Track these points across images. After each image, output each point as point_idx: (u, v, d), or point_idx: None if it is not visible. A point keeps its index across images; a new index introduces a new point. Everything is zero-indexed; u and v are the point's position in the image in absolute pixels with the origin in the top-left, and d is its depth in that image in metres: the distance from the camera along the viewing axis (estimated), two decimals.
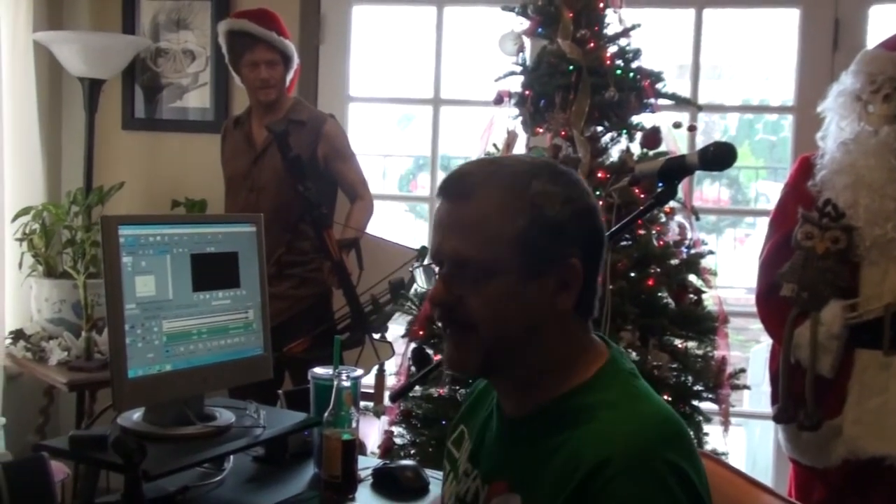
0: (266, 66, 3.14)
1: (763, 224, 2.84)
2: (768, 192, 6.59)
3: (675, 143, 3.06)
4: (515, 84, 3.00)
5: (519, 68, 2.99)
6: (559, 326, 1.22)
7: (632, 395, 1.20)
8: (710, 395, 2.78)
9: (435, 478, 1.92)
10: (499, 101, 3.02)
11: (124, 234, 1.74)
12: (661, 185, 1.85)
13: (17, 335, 3.46)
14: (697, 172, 3.67)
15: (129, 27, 3.85)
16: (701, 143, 3.31)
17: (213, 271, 1.91)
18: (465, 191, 1.22)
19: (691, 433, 1.24)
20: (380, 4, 3.88)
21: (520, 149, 3.08)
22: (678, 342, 2.79)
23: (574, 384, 1.22)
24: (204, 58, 3.82)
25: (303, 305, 3.24)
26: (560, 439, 1.17)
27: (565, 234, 1.20)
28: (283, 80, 3.19)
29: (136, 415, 1.88)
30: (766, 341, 2.88)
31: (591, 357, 1.25)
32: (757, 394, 3.92)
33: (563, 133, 2.91)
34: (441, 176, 3.70)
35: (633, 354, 2.70)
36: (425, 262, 1.47)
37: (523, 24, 3.01)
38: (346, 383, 1.90)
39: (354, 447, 1.86)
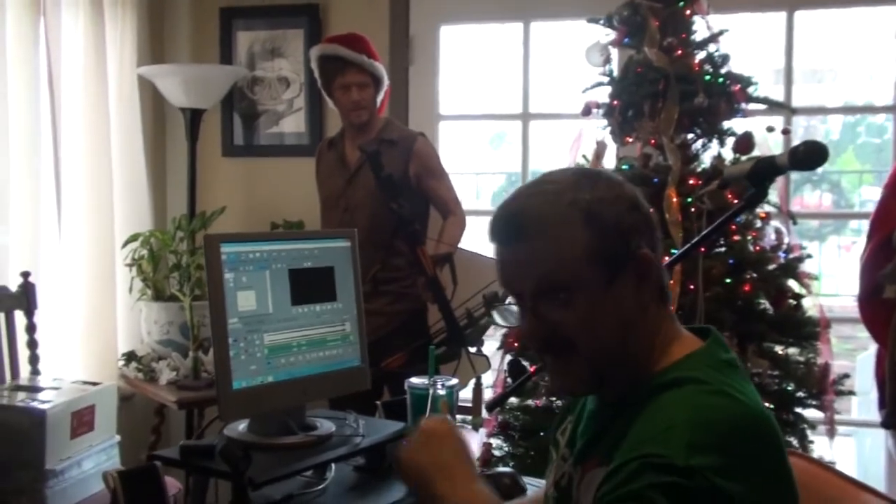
0: (357, 89, 3.22)
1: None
2: (873, 198, 6.38)
3: (769, 148, 3.02)
4: (603, 95, 3.02)
5: (606, 79, 3.01)
6: (648, 318, 1.26)
7: (719, 381, 1.20)
8: (813, 402, 2.72)
9: (533, 485, 1.94)
10: (587, 112, 3.03)
11: (226, 251, 1.81)
12: (752, 188, 1.84)
13: (129, 357, 3.61)
14: (796, 178, 3.63)
15: (226, 58, 4.00)
16: None
17: (310, 285, 1.97)
18: (517, 232, 1.25)
19: (779, 438, 1.19)
20: (467, 23, 3.94)
21: (610, 159, 3.09)
22: (778, 348, 2.75)
23: (664, 364, 1.25)
24: (298, 84, 3.94)
25: (399, 321, 3.29)
26: (643, 409, 1.19)
27: (627, 230, 1.23)
28: (374, 101, 3.27)
29: (242, 426, 1.95)
30: (873, 348, 2.79)
31: (683, 343, 1.28)
32: (865, 402, 3.79)
33: (652, 142, 2.91)
34: None
35: None
36: (501, 301, 1.48)
37: (609, 34, 3.02)
38: (442, 391, 1.94)
39: None
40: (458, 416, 2.42)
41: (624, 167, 2.98)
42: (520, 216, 1.26)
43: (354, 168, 3.30)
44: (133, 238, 3.61)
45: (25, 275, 3.15)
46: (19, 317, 3.16)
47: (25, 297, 3.15)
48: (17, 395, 2.94)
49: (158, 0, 3.94)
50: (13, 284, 3.15)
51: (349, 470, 2.08)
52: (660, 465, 1.08)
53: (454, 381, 2.01)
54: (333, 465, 1.98)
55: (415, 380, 2.05)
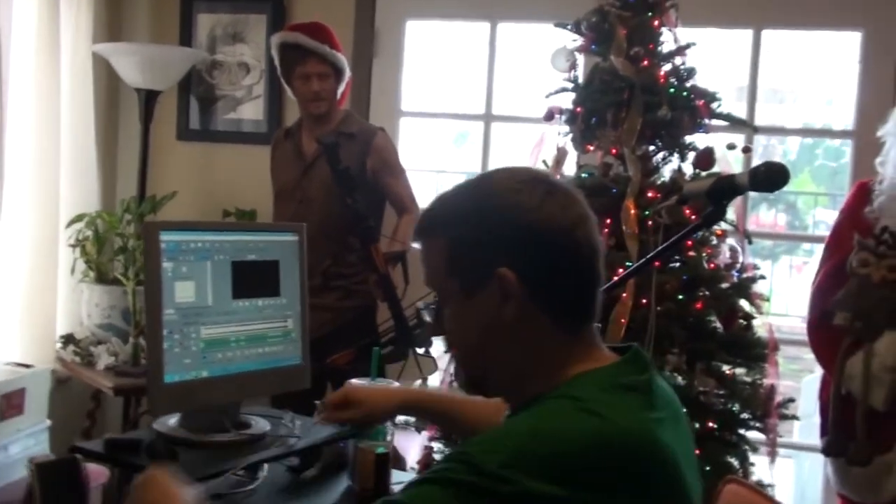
0: (318, 79, 3.15)
1: (820, 252, 2.77)
2: (827, 220, 6.44)
3: (730, 165, 3.01)
4: (567, 101, 2.98)
5: (571, 85, 2.97)
6: (523, 337, 1.19)
7: (598, 400, 1.11)
8: (757, 424, 2.71)
9: None
10: (549, 117, 3.00)
11: (165, 239, 1.74)
12: (711, 206, 1.81)
13: (67, 339, 3.51)
14: (753, 196, 3.63)
15: (185, 39, 3.91)
16: None
17: (253, 279, 1.91)
18: (416, 232, 1.26)
19: (656, 468, 1.09)
20: (433, 19, 3.88)
21: (570, 166, 3.06)
22: (726, 368, 2.73)
23: (556, 383, 1.17)
24: (258, 70, 3.86)
25: (348, 317, 3.23)
26: None
27: (484, 245, 1.19)
28: (335, 92, 3.20)
29: (173, 420, 1.88)
30: (819, 371, 2.79)
31: (586, 362, 1.19)
32: (808, 426, 3.81)
33: (613, 151, 2.88)
34: None
35: (679, 379, 2.64)
36: None
37: (576, 40, 2.99)
38: None
39: (388, 461, 1.84)
40: (401, 418, 2.37)
41: (583, 175, 2.94)
42: (421, 217, 1.27)
43: (311, 160, 3.23)
44: (78, 218, 3.50)
45: None
46: None
47: None
48: None
49: None
50: None
51: (283, 471, 2.01)
52: (469, 463, 1.05)
53: (395, 384, 1.95)
54: (266, 466, 1.92)
55: (355, 381, 1.99)
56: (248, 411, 2.00)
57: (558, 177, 2.95)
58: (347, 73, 3.24)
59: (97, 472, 2.78)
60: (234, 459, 1.76)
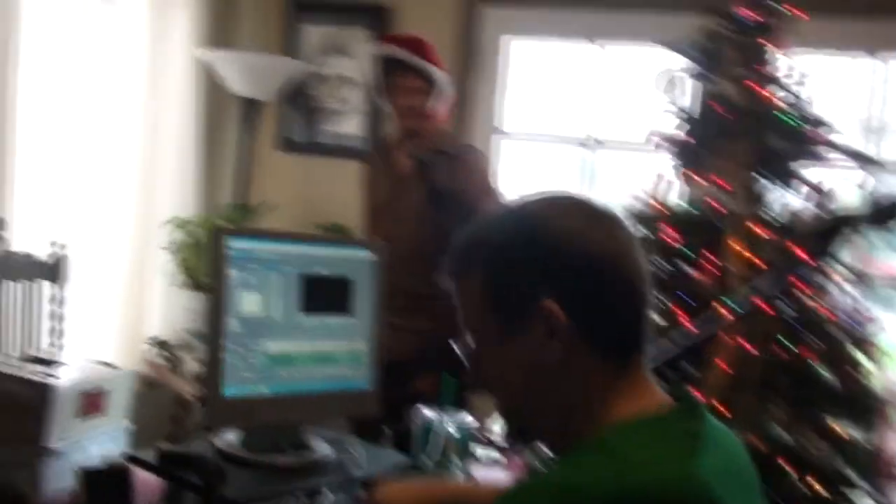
0: (413, 94, 3.08)
1: None
2: None
3: (847, 203, 2.79)
4: (671, 127, 2.82)
5: (676, 110, 2.81)
6: (569, 375, 1.07)
7: (640, 450, 1.00)
8: (864, 484, 2.48)
9: None
10: (653, 144, 2.84)
11: (233, 246, 1.67)
12: (823, 244, 1.65)
13: (157, 343, 3.52)
14: (876, 238, 3.38)
15: (290, 50, 3.91)
16: None
17: (324, 295, 1.82)
18: (448, 266, 1.15)
19: None
20: (537, 38, 3.77)
21: (673, 196, 2.90)
22: (833, 421, 2.52)
23: (599, 426, 1.06)
24: (360, 85, 3.82)
25: (436, 342, 3.12)
26: None
27: (526, 275, 1.07)
28: (430, 108, 3.12)
29: (232, 436, 1.81)
30: None
31: (635, 403, 1.07)
32: None
33: (720, 181, 2.71)
34: None
35: (780, 429, 2.45)
36: None
37: (684, 63, 2.83)
38: (448, 427, 1.77)
39: None
40: (481, 452, 2.23)
41: (687, 207, 2.78)
42: (453, 253, 1.14)
43: (404, 177, 3.15)
44: (174, 222, 3.52)
45: (55, 244, 3.07)
46: (47, 288, 3.09)
47: (54, 268, 3.08)
48: (29, 367, 2.86)
49: None
50: (45, 254, 3.08)
51: (348, 499, 1.92)
52: None
53: (468, 419, 1.84)
54: (330, 493, 1.82)
55: (425, 410, 1.89)
56: (312, 433, 1.91)
57: (659, 207, 2.80)
58: (446, 90, 3.15)
59: (152, 485, 2.74)
60: (287, 483, 1.67)
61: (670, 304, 2.58)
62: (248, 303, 1.70)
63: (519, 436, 1.22)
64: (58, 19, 3.15)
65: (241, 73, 3.60)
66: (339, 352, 1.86)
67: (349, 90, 3.86)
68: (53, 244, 3.07)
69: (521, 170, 3.80)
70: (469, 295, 1.11)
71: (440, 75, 3.13)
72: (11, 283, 2.97)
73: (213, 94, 3.84)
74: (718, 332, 2.42)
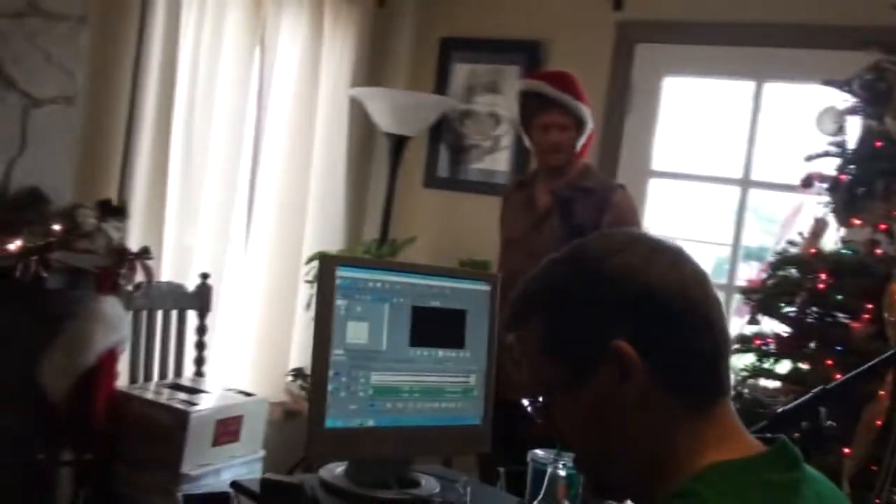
0: (557, 130, 3.01)
1: None
2: None
3: None
4: (830, 167, 2.63)
5: (836, 149, 2.63)
6: (646, 422, 0.97)
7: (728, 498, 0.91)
8: None
9: None
10: (808, 184, 2.67)
11: (342, 275, 1.66)
12: None
13: (297, 373, 3.57)
14: None
15: (441, 87, 3.93)
16: None
17: (435, 327, 1.78)
18: (506, 320, 1.08)
19: None
20: (693, 77, 3.63)
21: (830, 240, 2.70)
22: None
23: (684, 475, 0.95)
24: (508, 122, 3.79)
25: None
26: None
27: (592, 316, 0.98)
28: (574, 144, 3.05)
29: (340, 468, 1.78)
30: None
31: (724, 450, 0.96)
32: None
33: (882, 227, 2.50)
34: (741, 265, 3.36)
35: None
36: None
37: (847, 101, 2.64)
38: (562, 472, 1.67)
39: None
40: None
41: (845, 251, 2.58)
42: (510, 304, 1.07)
43: (543, 212, 3.08)
44: (318, 256, 3.57)
45: (204, 276, 3.18)
46: (193, 318, 3.20)
47: (201, 298, 3.18)
48: (169, 394, 2.96)
49: (381, 25, 3.92)
50: (192, 285, 3.19)
51: None
52: None
53: None
54: None
55: (540, 452, 1.80)
56: (420, 469, 1.86)
57: (812, 251, 2.61)
58: (590, 126, 3.07)
59: None
60: None
61: (821, 354, 2.40)
62: (355, 333, 1.68)
63: (601, 491, 1.11)
64: (212, 59, 3.28)
65: (391, 110, 3.64)
66: (449, 386, 1.80)
67: (498, 127, 3.83)
68: (202, 275, 3.18)
69: (673, 210, 3.65)
70: (530, 345, 1.03)
71: (586, 112, 3.06)
72: (160, 312, 3.09)
73: (364, 131, 3.91)
74: (874, 387, 2.21)
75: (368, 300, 1.69)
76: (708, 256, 3.49)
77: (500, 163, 3.84)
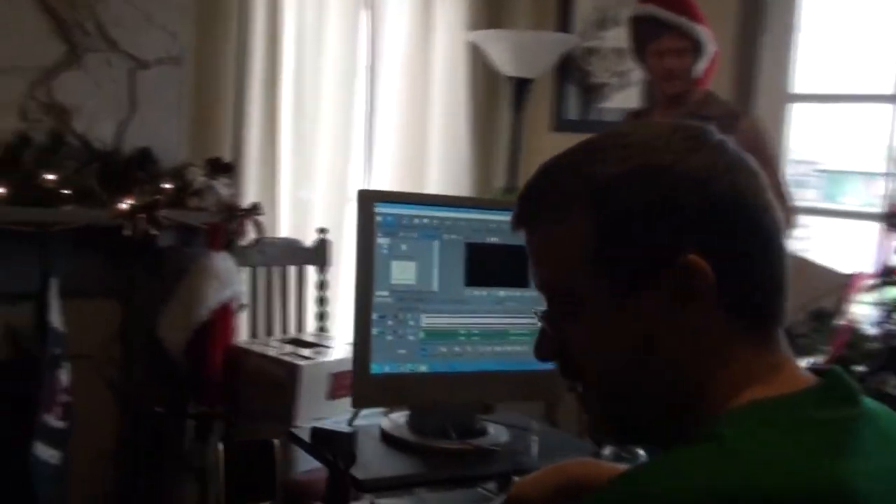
0: (673, 56, 2.78)
1: None
2: None
3: None
4: None
5: None
6: (698, 351, 0.82)
7: (757, 441, 0.74)
8: None
9: None
10: None
11: (381, 211, 1.56)
12: None
13: None
14: None
15: (563, 25, 3.73)
16: None
17: (494, 265, 1.65)
18: (518, 216, 0.90)
19: None
20: None
21: None
22: None
23: (723, 409, 0.80)
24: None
25: None
26: None
27: (662, 223, 0.81)
28: (692, 70, 2.80)
29: (403, 417, 1.70)
30: None
31: (753, 383, 0.81)
32: None
33: None
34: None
35: None
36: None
37: None
38: None
39: None
40: None
41: None
42: (526, 194, 0.89)
43: None
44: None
45: (322, 230, 3.16)
46: (312, 273, 3.20)
47: (319, 254, 3.17)
48: (285, 348, 2.96)
49: None
50: (310, 240, 3.18)
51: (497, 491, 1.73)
52: None
53: None
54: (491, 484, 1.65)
55: None
56: (498, 418, 1.75)
57: None
58: (710, 49, 2.81)
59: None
60: (436, 470, 1.52)
61: None
62: (401, 273, 1.58)
63: (617, 434, 0.95)
64: (320, 8, 3.24)
65: (512, 52, 3.49)
66: (512, 328, 1.67)
67: (625, 62, 3.60)
68: (319, 230, 3.16)
69: (817, 137, 3.32)
70: (564, 249, 0.85)
71: (704, 34, 2.81)
72: (278, 268, 3.10)
73: (484, 76, 3.77)
74: None
75: (415, 237, 1.59)
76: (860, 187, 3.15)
77: (631, 100, 3.61)
